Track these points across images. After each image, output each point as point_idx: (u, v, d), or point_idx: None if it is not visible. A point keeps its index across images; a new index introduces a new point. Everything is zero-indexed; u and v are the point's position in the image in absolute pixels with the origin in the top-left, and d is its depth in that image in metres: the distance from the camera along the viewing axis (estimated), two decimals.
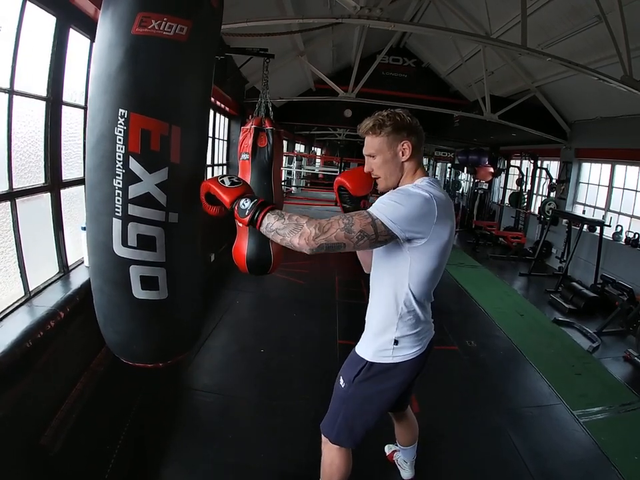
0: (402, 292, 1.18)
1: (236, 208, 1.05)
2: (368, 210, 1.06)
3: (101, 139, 1.01)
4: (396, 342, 1.22)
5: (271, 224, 1.02)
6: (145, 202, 1.03)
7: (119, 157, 0.99)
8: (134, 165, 1.01)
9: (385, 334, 1.23)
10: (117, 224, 1.02)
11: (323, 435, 1.39)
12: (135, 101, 1.00)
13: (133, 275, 1.07)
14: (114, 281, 1.10)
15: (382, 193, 1.18)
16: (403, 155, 1.16)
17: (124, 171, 1.00)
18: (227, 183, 1.07)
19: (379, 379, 1.25)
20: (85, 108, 2.34)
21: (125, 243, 1.04)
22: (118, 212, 1.02)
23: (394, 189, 1.18)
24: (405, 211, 1.03)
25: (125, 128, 0.99)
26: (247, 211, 1.03)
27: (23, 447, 1.57)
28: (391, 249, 1.14)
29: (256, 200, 1.04)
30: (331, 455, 1.37)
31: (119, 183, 1.01)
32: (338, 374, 1.37)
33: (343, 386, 1.32)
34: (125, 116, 0.98)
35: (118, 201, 1.01)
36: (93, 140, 1.04)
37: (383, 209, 1.04)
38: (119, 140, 0.99)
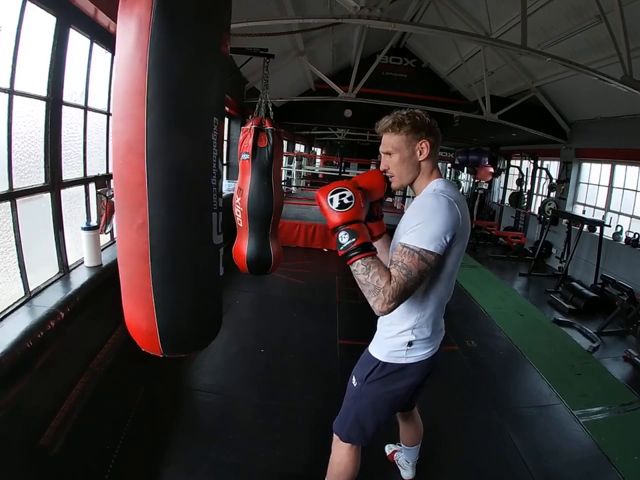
0: (422, 297, 1.19)
1: (335, 236, 1.07)
2: (406, 244, 1.04)
3: (204, 144, 1.10)
4: (410, 344, 1.23)
5: (357, 272, 1.05)
6: (221, 193, 1.19)
7: (214, 159, 1.12)
8: (219, 165, 1.15)
9: (400, 336, 1.23)
10: (214, 217, 1.16)
11: (335, 434, 1.40)
12: (221, 110, 1.17)
13: (221, 257, 1.22)
14: (210, 269, 1.19)
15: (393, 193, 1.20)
16: (420, 155, 1.17)
17: (216, 170, 1.14)
18: (335, 204, 1.07)
19: (391, 378, 1.26)
20: (85, 108, 2.35)
21: (217, 231, 1.17)
22: (215, 206, 1.15)
23: (408, 186, 1.22)
24: (437, 228, 1.03)
25: (217, 134, 1.12)
26: (342, 247, 1.06)
27: (23, 447, 1.57)
28: None
29: (354, 240, 1.05)
30: (341, 454, 1.38)
31: (214, 181, 1.13)
32: (351, 373, 1.38)
33: (355, 385, 1.33)
34: (217, 124, 1.11)
35: (214, 196, 1.14)
36: (186, 148, 1.09)
37: (419, 236, 1.03)
38: (214, 145, 1.11)
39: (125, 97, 1.03)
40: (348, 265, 1.07)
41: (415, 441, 1.71)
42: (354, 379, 1.34)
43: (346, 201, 1.06)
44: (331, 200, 1.07)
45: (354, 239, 1.04)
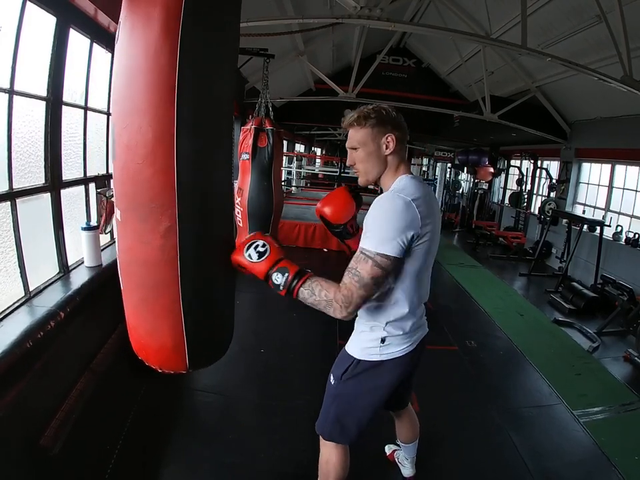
0: (390, 292, 1.18)
1: (270, 282, 1.07)
2: (363, 248, 1.05)
3: (227, 142, 1.08)
4: (383, 340, 1.22)
5: (305, 299, 1.07)
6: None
7: (232, 158, 1.13)
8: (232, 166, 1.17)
9: (372, 332, 1.23)
10: (234, 216, 1.20)
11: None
12: (233, 108, 1.16)
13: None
14: (232, 272, 1.16)
15: (363, 189, 1.22)
16: (386, 149, 1.15)
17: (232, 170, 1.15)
18: (254, 256, 1.07)
19: (366, 375, 1.26)
20: (85, 108, 2.35)
21: (236, 232, 1.24)
22: (234, 206, 1.21)
23: (375, 184, 1.22)
24: (393, 230, 1.03)
25: (233, 133, 1.14)
26: (281, 287, 1.05)
27: (23, 447, 1.57)
28: None
29: (287, 275, 1.05)
30: (327, 452, 1.38)
31: (233, 181, 1.18)
32: (330, 371, 1.38)
33: (332, 383, 1.33)
34: (234, 122, 1.16)
35: (234, 196, 1.20)
36: (215, 145, 1.06)
37: (375, 240, 1.04)
38: (233, 144, 1.13)
39: (147, 90, 0.89)
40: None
41: (411, 438, 1.71)
42: (332, 377, 1.34)
43: (261, 249, 1.08)
44: (249, 255, 1.08)
45: (286, 274, 1.05)
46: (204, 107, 0.95)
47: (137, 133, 0.90)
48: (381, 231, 1.04)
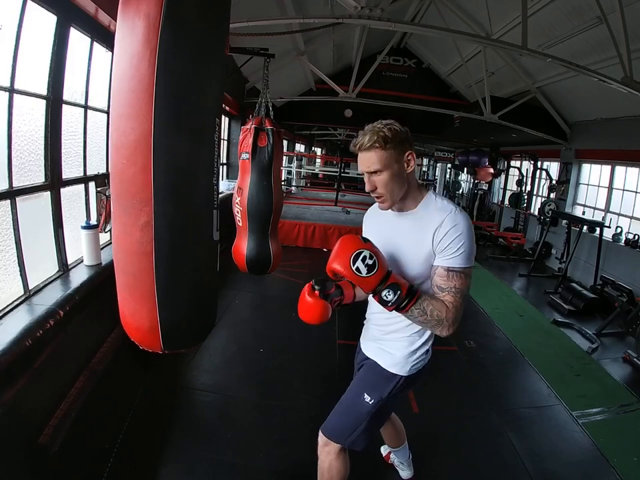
0: None
1: (376, 297, 1.06)
2: (452, 268, 1.07)
3: (207, 144, 1.13)
4: (427, 351, 1.28)
5: (415, 317, 1.08)
6: (219, 192, 1.24)
7: (215, 158, 1.17)
8: (218, 165, 1.19)
9: (423, 346, 1.26)
10: (215, 214, 1.20)
11: (322, 439, 1.36)
12: (220, 110, 1.22)
13: (218, 253, 1.28)
14: (210, 266, 1.24)
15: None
16: (408, 167, 1.11)
17: (217, 170, 1.18)
18: (364, 271, 1.01)
19: (408, 386, 1.30)
20: (85, 107, 2.35)
21: (216, 228, 1.22)
22: (215, 204, 1.19)
23: (399, 202, 1.15)
24: (473, 243, 1.09)
25: (218, 134, 1.15)
26: (392, 303, 1.04)
27: (22, 445, 1.57)
28: (430, 264, 1.13)
29: (399, 292, 1.03)
30: (330, 459, 1.34)
31: (215, 181, 1.18)
32: (357, 389, 1.33)
33: (370, 402, 1.27)
34: (218, 124, 1.15)
35: (215, 195, 1.18)
36: (192, 148, 1.10)
37: (464, 258, 1.07)
38: (216, 145, 1.15)
39: (131, 96, 1.00)
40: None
41: (399, 442, 1.72)
42: (367, 396, 1.28)
43: (370, 262, 1.02)
44: (357, 269, 1.02)
45: (398, 291, 1.03)
46: (182, 112, 1.05)
47: (122, 135, 1.03)
48: (470, 247, 1.08)
